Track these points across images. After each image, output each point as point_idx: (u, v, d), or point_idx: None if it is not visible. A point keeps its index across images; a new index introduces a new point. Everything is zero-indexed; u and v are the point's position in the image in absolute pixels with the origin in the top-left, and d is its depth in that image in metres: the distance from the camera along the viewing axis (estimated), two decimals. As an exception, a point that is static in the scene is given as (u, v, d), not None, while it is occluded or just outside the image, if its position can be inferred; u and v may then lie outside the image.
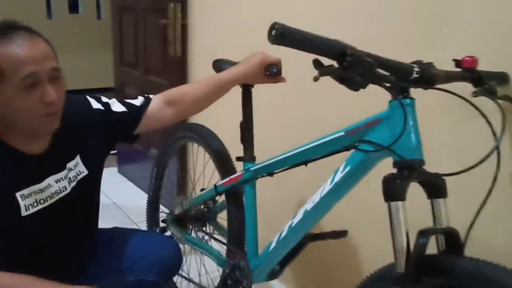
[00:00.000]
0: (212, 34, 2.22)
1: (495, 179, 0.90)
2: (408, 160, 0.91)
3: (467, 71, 1.01)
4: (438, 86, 0.93)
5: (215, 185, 1.48)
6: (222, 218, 1.65)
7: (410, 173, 0.91)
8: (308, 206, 1.16)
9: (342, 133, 1.07)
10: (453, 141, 1.21)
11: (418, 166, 0.91)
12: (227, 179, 1.44)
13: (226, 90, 1.36)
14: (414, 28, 1.29)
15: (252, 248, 1.38)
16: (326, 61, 0.84)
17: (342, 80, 0.82)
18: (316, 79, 0.79)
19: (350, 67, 0.79)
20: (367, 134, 1.02)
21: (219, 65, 1.45)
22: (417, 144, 0.93)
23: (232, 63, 1.39)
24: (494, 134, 0.91)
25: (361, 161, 1.03)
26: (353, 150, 1.06)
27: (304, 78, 1.77)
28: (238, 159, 1.43)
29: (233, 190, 1.46)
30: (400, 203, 0.90)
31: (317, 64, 0.81)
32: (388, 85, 0.90)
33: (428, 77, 0.91)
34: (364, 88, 0.83)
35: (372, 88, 0.88)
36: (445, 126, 1.22)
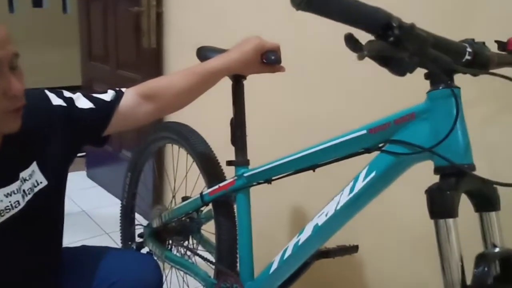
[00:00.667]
0: (191, 23, 1.99)
1: None
2: (458, 165, 0.71)
3: (516, 54, 0.83)
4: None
5: (201, 194, 1.26)
6: (208, 231, 1.44)
7: (461, 181, 0.72)
8: (320, 220, 0.95)
9: (364, 131, 0.87)
10: (484, 139, 1.04)
11: (469, 171, 0.72)
12: (216, 186, 1.23)
13: (214, 82, 1.14)
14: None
15: (247, 269, 1.17)
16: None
17: (385, 61, 0.62)
18: (361, 57, 0.58)
19: (398, 43, 0.59)
20: (396, 133, 0.82)
21: (204, 53, 1.23)
22: (467, 144, 0.73)
23: (220, 51, 1.17)
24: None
25: (390, 165, 0.83)
26: (376, 153, 0.86)
27: (306, 69, 1.62)
28: (229, 163, 1.22)
29: (222, 200, 1.25)
30: (451, 220, 0.70)
31: (350, 40, 0.60)
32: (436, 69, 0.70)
33: (482, 59, 0.72)
34: (411, 72, 0.63)
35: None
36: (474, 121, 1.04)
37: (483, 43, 0.75)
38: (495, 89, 0.97)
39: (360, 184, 0.87)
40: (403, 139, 0.80)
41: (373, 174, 0.85)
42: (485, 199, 0.74)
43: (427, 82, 0.77)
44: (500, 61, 0.77)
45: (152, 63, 2.17)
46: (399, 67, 0.63)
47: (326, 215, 0.94)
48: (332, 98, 1.46)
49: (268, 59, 1.10)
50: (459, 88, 0.75)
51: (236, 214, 1.20)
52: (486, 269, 0.66)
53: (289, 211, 1.63)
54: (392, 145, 0.82)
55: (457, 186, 0.71)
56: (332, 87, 1.46)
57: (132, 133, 1.95)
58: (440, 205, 0.70)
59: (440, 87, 0.75)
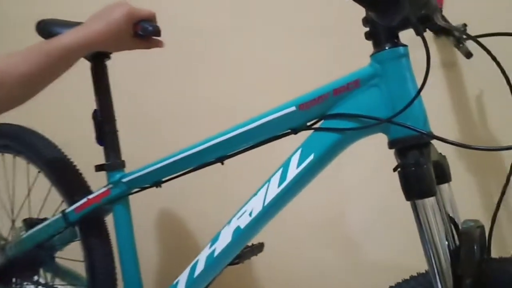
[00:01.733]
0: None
1: None
2: (426, 134, 0.62)
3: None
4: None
5: (63, 212, 0.96)
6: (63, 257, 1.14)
7: (428, 151, 0.62)
8: (242, 222, 0.77)
9: (293, 108, 0.72)
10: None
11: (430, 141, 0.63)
12: (84, 200, 0.95)
13: (69, 64, 0.86)
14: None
15: (137, 292, 0.94)
16: None
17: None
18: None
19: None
20: (336, 105, 0.69)
21: (49, 29, 0.93)
22: (424, 110, 0.64)
23: (72, 24, 0.90)
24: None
25: (333, 144, 0.69)
26: (310, 132, 0.72)
27: (194, 44, 1.37)
28: (99, 168, 0.95)
29: (90, 216, 0.98)
30: (433, 199, 0.60)
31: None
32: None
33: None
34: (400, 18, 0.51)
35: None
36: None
37: None
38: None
39: (293, 172, 0.72)
40: (348, 112, 0.67)
41: (311, 158, 0.70)
42: (441, 170, 0.66)
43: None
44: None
45: None
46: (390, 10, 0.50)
47: (250, 214, 0.76)
48: (231, 80, 1.28)
49: (145, 30, 0.86)
50: (407, 46, 0.65)
51: (115, 230, 0.95)
52: (474, 247, 0.57)
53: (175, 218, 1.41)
54: (332, 120, 0.69)
55: (428, 158, 0.61)
56: (233, 67, 1.28)
57: None
58: (419, 182, 0.59)
59: (387, 47, 0.64)
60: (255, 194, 0.77)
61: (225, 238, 0.79)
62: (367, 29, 0.67)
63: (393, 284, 0.69)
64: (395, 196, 1.10)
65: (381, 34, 0.65)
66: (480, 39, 0.63)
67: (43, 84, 0.85)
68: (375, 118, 0.64)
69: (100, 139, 0.96)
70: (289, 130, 0.75)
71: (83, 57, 0.92)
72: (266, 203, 0.75)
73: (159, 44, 0.92)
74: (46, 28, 0.94)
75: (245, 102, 1.21)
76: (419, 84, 0.61)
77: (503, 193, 0.65)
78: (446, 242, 0.59)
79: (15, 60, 0.83)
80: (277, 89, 1.10)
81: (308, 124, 0.73)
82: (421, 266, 0.66)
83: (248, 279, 1.36)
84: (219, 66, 1.28)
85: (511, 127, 0.92)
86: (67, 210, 0.96)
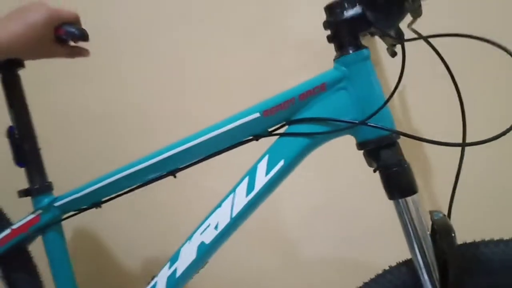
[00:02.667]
0: None
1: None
2: (399, 133, 0.64)
3: None
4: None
5: (-20, 249, 0.83)
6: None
7: (399, 150, 0.65)
8: (207, 237, 0.73)
9: (257, 115, 0.69)
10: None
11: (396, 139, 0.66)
12: (8, 231, 0.82)
13: None
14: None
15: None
16: None
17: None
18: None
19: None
20: (302, 110, 0.68)
21: None
22: (389, 109, 0.67)
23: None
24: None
25: (303, 149, 0.68)
26: (275, 138, 0.71)
27: (121, 47, 1.24)
28: (24, 193, 0.83)
29: (12, 249, 0.85)
30: (416, 196, 0.62)
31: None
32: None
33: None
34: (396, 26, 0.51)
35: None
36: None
37: None
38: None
39: (262, 180, 0.70)
40: (316, 116, 0.67)
41: (281, 164, 0.69)
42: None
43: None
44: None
45: None
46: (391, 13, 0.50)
47: (216, 227, 0.73)
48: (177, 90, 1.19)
49: (69, 35, 0.76)
50: (368, 48, 0.67)
51: (48, 259, 0.84)
52: (452, 234, 0.61)
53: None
54: (300, 125, 0.68)
55: (402, 156, 0.64)
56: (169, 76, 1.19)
57: None
58: (403, 181, 0.62)
59: (351, 51, 0.65)
60: (218, 206, 0.73)
61: (188, 255, 0.75)
62: (328, 32, 0.67)
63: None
64: (329, 193, 1.15)
65: (345, 37, 0.66)
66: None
67: None
68: (348, 122, 0.65)
69: (20, 160, 0.84)
70: (251, 137, 0.73)
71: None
72: (234, 215, 0.72)
73: (84, 53, 0.83)
74: None
75: (181, 111, 1.16)
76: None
77: (455, 184, 0.70)
78: (429, 233, 0.63)
79: None
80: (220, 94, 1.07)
81: (271, 130, 0.72)
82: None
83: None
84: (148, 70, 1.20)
85: (432, 121, 1.01)
86: (-14, 245, 0.83)
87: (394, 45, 0.73)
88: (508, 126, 0.57)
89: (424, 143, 0.86)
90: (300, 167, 1.12)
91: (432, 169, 1.03)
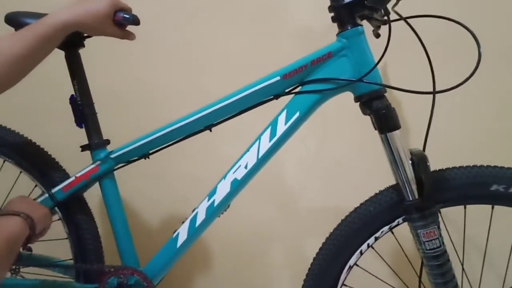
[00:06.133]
0: None
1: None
2: (386, 87, 0.86)
3: None
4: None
5: (50, 193, 1.01)
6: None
7: (387, 100, 0.87)
8: (239, 174, 0.94)
9: (277, 78, 0.91)
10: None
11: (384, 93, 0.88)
12: (72, 178, 1.02)
13: (55, 43, 0.92)
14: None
15: (133, 260, 1.03)
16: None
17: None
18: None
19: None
20: (313, 73, 0.90)
21: (20, 20, 0.97)
22: (379, 71, 0.89)
23: (40, 15, 0.95)
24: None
25: (314, 103, 0.90)
26: (291, 97, 0.92)
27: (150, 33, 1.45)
28: (85, 148, 1.03)
29: (75, 195, 1.04)
30: (398, 131, 0.85)
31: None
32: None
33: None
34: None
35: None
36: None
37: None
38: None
39: (282, 128, 0.92)
40: (325, 77, 0.89)
41: (296, 115, 0.91)
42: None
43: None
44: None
45: None
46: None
47: (246, 167, 0.94)
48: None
49: (125, 19, 0.96)
50: (362, 25, 0.89)
51: (106, 203, 1.03)
52: (428, 162, 0.84)
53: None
54: (312, 85, 0.90)
55: (390, 103, 0.86)
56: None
57: None
58: (390, 120, 0.84)
59: (349, 27, 0.87)
60: (247, 151, 0.94)
61: (224, 189, 0.96)
62: (332, 14, 0.89)
63: (331, 224, 0.92)
64: (323, 153, 1.37)
65: (345, 18, 0.87)
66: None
67: (33, 64, 0.91)
68: (348, 80, 0.87)
69: (80, 122, 1.03)
70: (272, 97, 0.94)
71: (58, 47, 0.99)
72: (260, 156, 0.93)
73: (131, 36, 1.02)
74: (17, 19, 0.98)
75: (196, 85, 1.37)
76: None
77: (429, 125, 0.90)
78: (410, 162, 0.85)
79: (7, 41, 0.87)
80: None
81: (288, 90, 0.93)
82: (349, 209, 0.90)
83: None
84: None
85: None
86: (54, 190, 1.02)
87: (379, 27, 0.95)
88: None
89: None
90: (301, 136, 1.34)
91: (409, 116, 1.25)
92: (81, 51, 1.04)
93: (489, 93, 1.22)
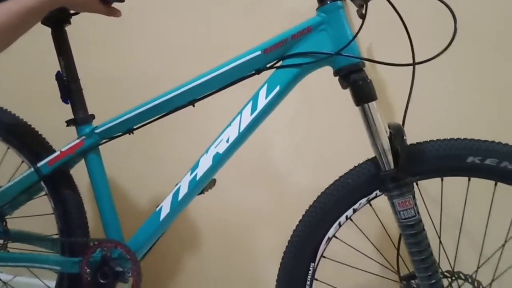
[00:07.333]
0: None
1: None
2: (364, 60, 0.88)
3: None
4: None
5: (36, 167, 1.03)
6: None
7: (365, 73, 0.88)
8: (220, 148, 0.95)
9: (259, 52, 0.92)
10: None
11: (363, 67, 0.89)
12: (57, 153, 1.03)
13: (34, 22, 0.93)
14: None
15: (117, 233, 1.05)
16: None
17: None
18: None
19: None
20: (294, 47, 0.91)
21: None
22: (357, 45, 0.90)
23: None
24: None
25: (294, 77, 0.91)
26: (272, 71, 0.94)
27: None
28: (70, 122, 1.04)
29: (58, 170, 1.06)
30: (374, 102, 0.86)
31: None
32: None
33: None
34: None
35: None
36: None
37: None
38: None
39: (263, 102, 0.93)
40: (305, 50, 0.90)
41: (277, 89, 0.92)
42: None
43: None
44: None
45: None
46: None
47: (227, 141, 0.95)
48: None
49: None
50: (342, 0, 0.91)
51: (90, 178, 1.05)
52: (403, 133, 0.85)
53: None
54: (292, 59, 0.91)
55: (367, 75, 0.87)
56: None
57: None
58: (366, 91, 0.85)
59: (328, 2, 0.89)
60: (229, 125, 0.96)
61: (206, 163, 0.97)
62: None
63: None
64: (310, 136, 1.38)
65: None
66: None
67: (16, 35, 0.92)
68: (327, 53, 0.88)
69: (66, 97, 1.05)
70: (254, 71, 0.95)
71: (45, 24, 1.00)
72: (241, 130, 0.94)
73: (117, 13, 1.03)
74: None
75: (183, 69, 1.38)
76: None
77: (409, 98, 0.92)
78: (387, 133, 0.86)
79: None
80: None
81: (269, 64, 0.95)
82: None
83: (183, 223, 1.52)
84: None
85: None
86: (39, 164, 1.03)
87: (362, 6, 0.97)
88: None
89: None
90: (286, 113, 1.35)
91: (389, 89, 1.27)
92: (68, 30, 1.06)
93: (471, 67, 1.23)
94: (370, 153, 0.90)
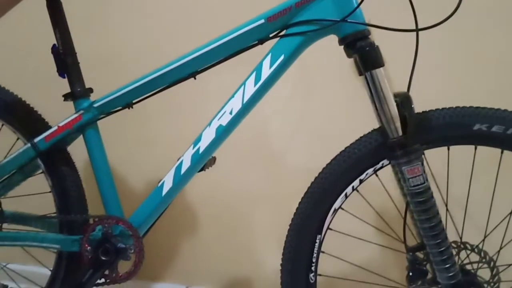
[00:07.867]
0: None
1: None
2: (370, 26, 0.86)
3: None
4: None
5: (32, 143, 1.00)
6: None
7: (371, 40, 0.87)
8: (223, 120, 0.93)
9: (262, 21, 0.90)
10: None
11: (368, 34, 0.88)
12: (55, 128, 1.00)
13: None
14: None
15: (117, 209, 1.03)
16: None
17: None
18: None
19: None
20: (298, 15, 0.89)
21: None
22: (362, 12, 0.88)
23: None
24: None
25: (299, 45, 0.89)
26: (274, 41, 0.92)
27: None
28: (67, 96, 1.01)
29: (55, 147, 1.03)
30: (382, 68, 0.84)
31: None
32: None
33: None
34: None
35: None
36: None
37: None
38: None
39: (267, 72, 0.91)
40: (309, 18, 0.88)
41: (281, 58, 0.90)
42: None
43: None
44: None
45: None
46: None
47: (231, 112, 0.93)
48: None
49: None
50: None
51: (89, 153, 1.02)
52: (411, 102, 0.84)
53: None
54: (297, 27, 0.89)
55: (373, 42, 0.86)
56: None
57: None
58: (374, 58, 0.83)
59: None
60: (232, 97, 0.94)
61: (209, 136, 0.95)
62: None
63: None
64: (308, 114, 1.36)
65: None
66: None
67: (11, 4, 0.89)
68: (333, 20, 0.87)
69: (62, 71, 1.02)
70: (257, 41, 0.93)
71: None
72: (245, 101, 0.92)
73: None
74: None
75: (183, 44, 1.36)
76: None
77: (414, 64, 0.90)
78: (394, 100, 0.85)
79: None
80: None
81: (273, 34, 0.93)
82: None
83: (182, 206, 1.51)
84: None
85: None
86: (36, 140, 1.00)
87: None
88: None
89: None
90: (283, 92, 1.34)
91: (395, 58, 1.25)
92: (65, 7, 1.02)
93: (475, 34, 1.22)
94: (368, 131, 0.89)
